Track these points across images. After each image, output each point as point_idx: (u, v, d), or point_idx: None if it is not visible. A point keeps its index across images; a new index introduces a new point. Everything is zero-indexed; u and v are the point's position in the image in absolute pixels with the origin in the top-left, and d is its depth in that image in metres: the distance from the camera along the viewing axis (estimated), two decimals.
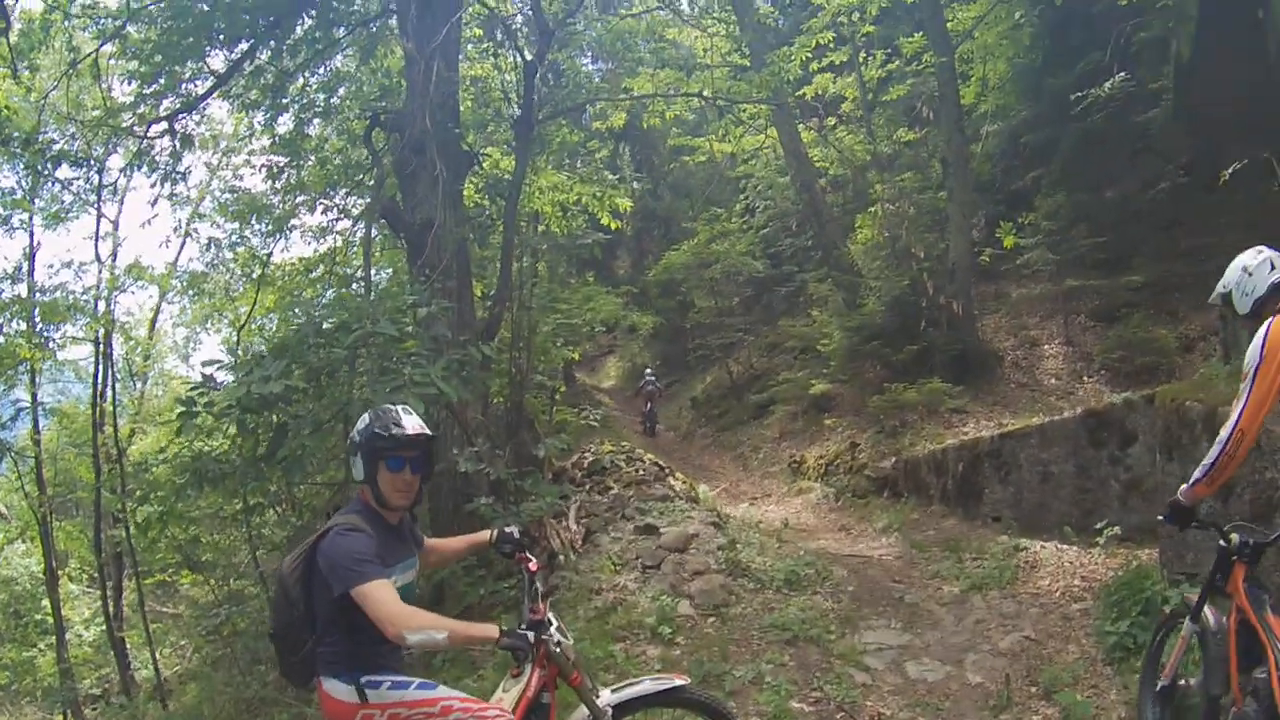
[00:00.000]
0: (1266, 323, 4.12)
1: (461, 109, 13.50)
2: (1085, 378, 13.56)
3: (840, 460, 15.06)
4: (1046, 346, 14.66)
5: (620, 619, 8.08)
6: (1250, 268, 4.33)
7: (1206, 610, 4.47)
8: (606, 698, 4.22)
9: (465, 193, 13.31)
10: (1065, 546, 8.81)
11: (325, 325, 8.90)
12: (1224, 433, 4.08)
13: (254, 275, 21.39)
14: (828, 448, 16.04)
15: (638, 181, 25.23)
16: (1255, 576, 4.22)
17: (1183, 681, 4.75)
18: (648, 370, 26.10)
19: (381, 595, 3.57)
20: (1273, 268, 4.27)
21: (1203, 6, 13.76)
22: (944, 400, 13.90)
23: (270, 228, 19.62)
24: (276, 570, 3.96)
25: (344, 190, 17.52)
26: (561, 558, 9.76)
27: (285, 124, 15.46)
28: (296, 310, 15.57)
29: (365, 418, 4.02)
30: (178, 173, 15.10)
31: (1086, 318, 14.39)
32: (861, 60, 20.27)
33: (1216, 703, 4.26)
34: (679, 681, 4.47)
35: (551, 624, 4.09)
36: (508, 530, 4.49)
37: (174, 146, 14.25)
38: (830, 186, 22.47)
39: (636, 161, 30.48)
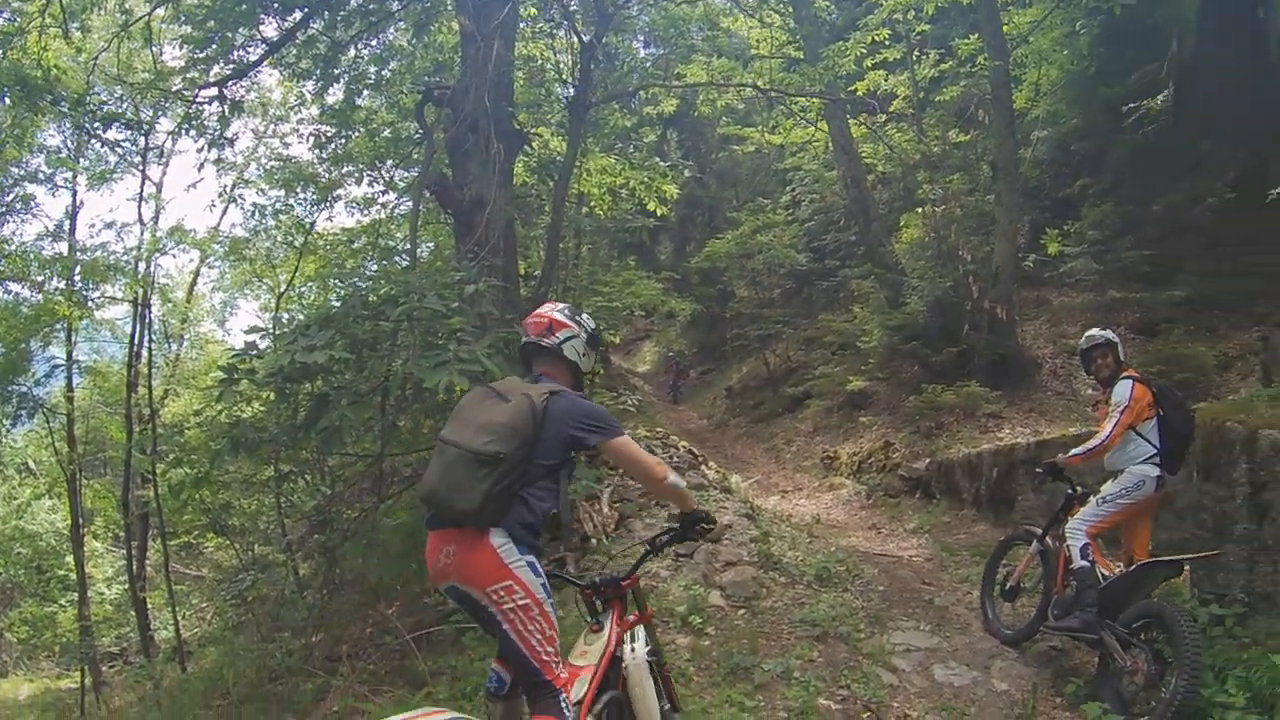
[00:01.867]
0: (1132, 382, 6.59)
1: (515, 88, 13.43)
2: None
3: (874, 458, 15.03)
4: None
5: (651, 606, 8.07)
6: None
7: (1049, 538, 7.19)
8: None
9: (515, 172, 13.27)
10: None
11: (372, 298, 8.89)
12: (1098, 440, 6.54)
13: (296, 243, 21.46)
14: (861, 445, 16.03)
15: (685, 169, 25.28)
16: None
17: (1023, 583, 7.53)
18: (670, 351, 30.22)
19: (638, 446, 4.23)
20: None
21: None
22: (981, 404, 13.90)
23: (315, 196, 19.70)
24: (523, 399, 4.01)
25: (391, 163, 17.56)
26: (594, 541, 9.68)
27: (335, 94, 15.47)
28: (340, 281, 15.58)
29: (589, 320, 4.53)
30: (225, 138, 15.09)
31: (1126, 330, 14.28)
32: (915, 59, 20.31)
33: (1050, 594, 6.91)
34: None
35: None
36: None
37: (223, 112, 14.22)
38: (878, 183, 22.44)
39: (684, 148, 30.57)
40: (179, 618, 18.19)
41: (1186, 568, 6.24)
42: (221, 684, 9.67)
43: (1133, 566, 6.45)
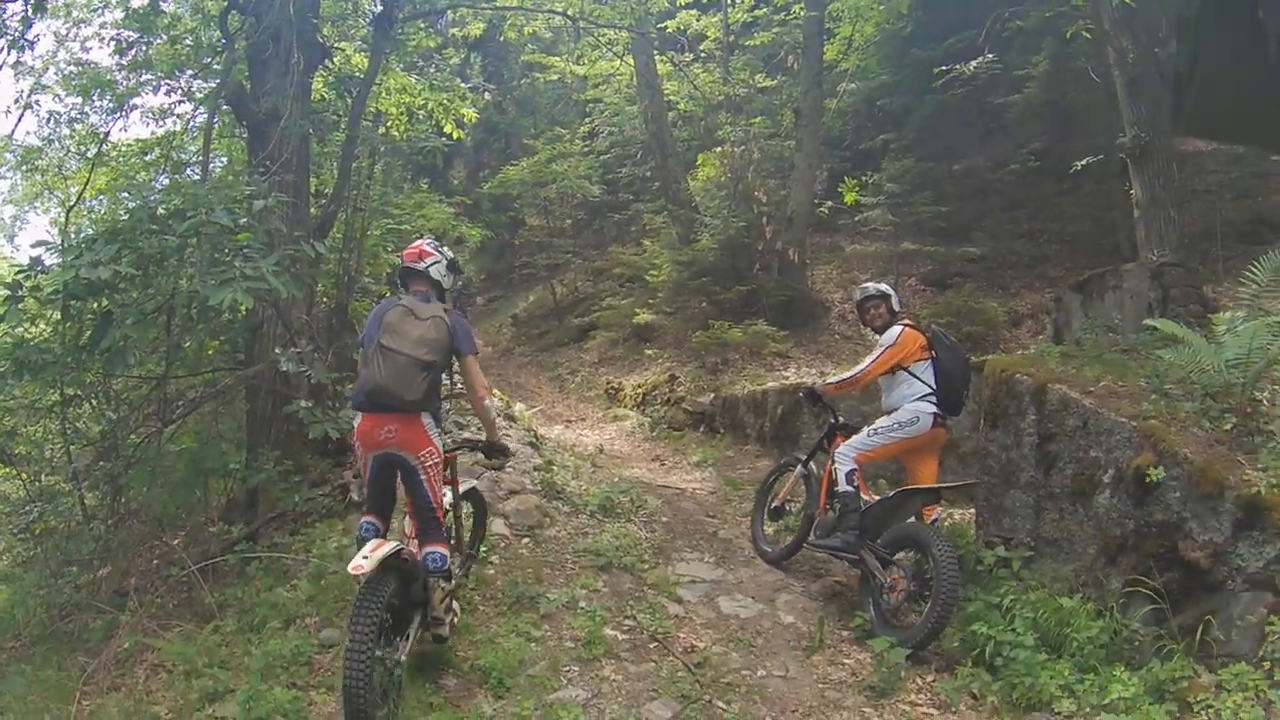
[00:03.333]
0: (902, 326, 7.08)
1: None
2: None
3: (658, 391, 15.05)
4: None
5: None
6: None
7: (812, 463, 7.79)
8: None
9: (314, 87, 12.87)
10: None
11: (160, 211, 8.42)
12: (856, 370, 7.23)
13: (89, 154, 20.00)
14: (646, 377, 16.03)
15: (486, 93, 24.69)
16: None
17: (787, 505, 8.15)
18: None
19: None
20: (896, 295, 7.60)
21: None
22: (767, 343, 14.07)
23: (112, 104, 18.45)
24: (439, 320, 5.36)
25: (190, 73, 16.64)
26: None
27: None
28: (129, 193, 14.71)
29: (448, 250, 5.91)
30: (26, 40, 13.78)
31: (918, 281, 14.74)
32: (729, 2, 20.26)
33: (812, 517, 7.45)
34: None
35: None
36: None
37: (25, 12, 13.06)
38: (679, 121, 22.44)
39: (486, 73, 29.86)
40: None
41: (973, 511, 6.63)
42: (13, 625, 9.16)
43: (890, 492, 7.15)
